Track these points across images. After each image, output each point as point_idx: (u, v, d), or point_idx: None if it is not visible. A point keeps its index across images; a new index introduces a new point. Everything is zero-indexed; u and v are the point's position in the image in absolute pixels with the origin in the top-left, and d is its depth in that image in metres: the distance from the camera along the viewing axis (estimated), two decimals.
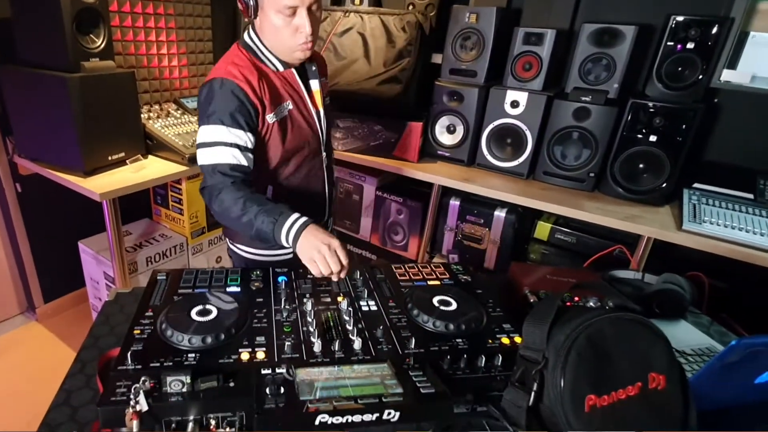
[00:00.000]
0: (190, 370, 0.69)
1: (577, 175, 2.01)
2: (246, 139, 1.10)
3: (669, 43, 1.80)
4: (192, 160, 1.92)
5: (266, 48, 1.16)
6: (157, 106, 2.20)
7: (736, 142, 1.95)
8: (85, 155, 1.71)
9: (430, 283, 1.07)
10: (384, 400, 0.69)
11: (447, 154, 2.23)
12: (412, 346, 0.83)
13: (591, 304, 0.97)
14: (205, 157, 1.09)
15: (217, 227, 2.42)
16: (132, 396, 0.66)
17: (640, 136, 1.87)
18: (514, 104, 2.04)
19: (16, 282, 2.22)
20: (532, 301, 1.09)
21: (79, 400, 0.77)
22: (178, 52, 2.41)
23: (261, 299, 0.94)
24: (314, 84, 1.25)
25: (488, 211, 2.14)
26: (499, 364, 0.81)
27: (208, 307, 0.87)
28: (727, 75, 1.84)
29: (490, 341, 0.87)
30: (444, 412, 0.73)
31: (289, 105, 1.19)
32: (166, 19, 2.31)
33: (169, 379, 0.68)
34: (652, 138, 1.85)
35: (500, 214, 2.13)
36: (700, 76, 1.77)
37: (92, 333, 0.94)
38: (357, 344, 0.82)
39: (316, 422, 0.66)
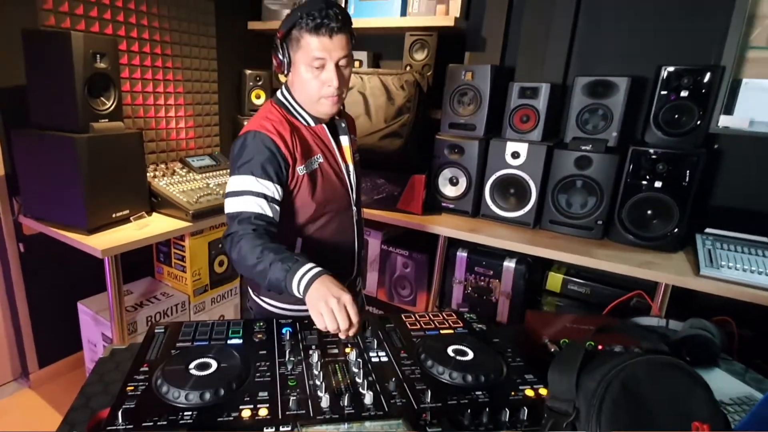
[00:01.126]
0: (186, 429, 0.63)
1: (585, 223, 1.99)
2: (273, 190, 1.10)
3: (663, 92, 1.84)
4: (195, 215, 1.92)
5: (297, 104, 1.20)
6: (163, 165, 2.23)
7: (742, 186, 1.94)
8: (90, 213, 1.70)
9: (443, 332, 1.01)
10: None
11: (451, 206, 2.22)
12: (428, 400, 0.76)
13: (617, 350, 0.91)
14: (231, 206, 1.10)
15: (220, 285, 2.37)
16: None
17: (644, 182, 1.86)
18: (515, 155, 2.06)
19: (12, 347, 2.14)
20: (552, 350, 1.02)
21: None
22: (185, 114, 2.48)
23: (264, 351, 0.88)
24: (344, 140, 1.26)
25: (497, 262, 2.10)
26: (525, 418, 0.74)
27: (207, 360, 0.82)
28: (724, 120, 1.87)
29: (512, 393, 0.81)
30: None
31: (320, 158, 1.20)
32: (174, 84, 2.40)
33: None
34: (658, 184, 1.84)
35: (510, 264, 2.08)
36: (698, 122, 1.79)
37: (84, 392, 0.87)
38: (368, 399, 0.76)
39: None
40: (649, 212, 1.89)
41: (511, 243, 1.92)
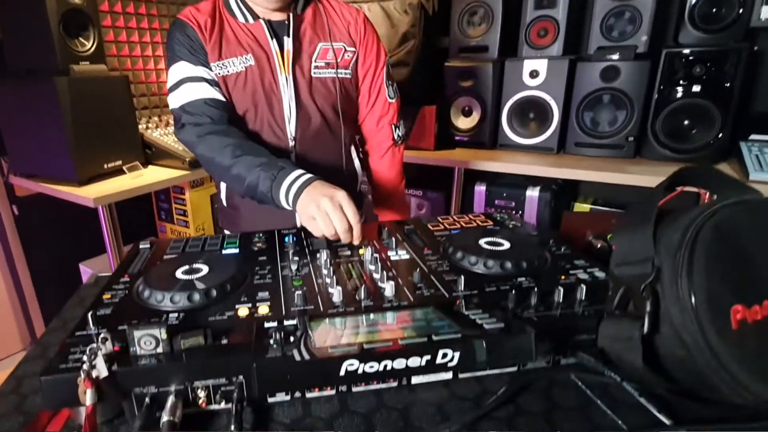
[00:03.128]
0: (166, 323, 0.51)
1: (614, 141, 1.82)
2: (212, 75, 0.97)
3: None
4: (193, 163, 1.79)
5: None
6: (156, 118, 2.10)
7: None
8: (78, 163, 1.58)
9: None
10: (435, 338, 0.49)
11: (466, 139, 2.06)
12: (461, 288, 0.63)
13: None
14: (175, 100, 0.98)
15: None
16: (87, 359, 0.48)
17: (680, 88, 1.68)
18: (533, 74, 1.88)
19: (18, 316, 2.07)
20: (599, 246, 0.88)
21: (29, 388, 0.58)
22: None
23: (264, 258, 0.76)
24: (287, 43, 1.00)
25: (519, 192, 1.94)
26: (584, 297, 0.60)
27: (197, 266, 0.69)
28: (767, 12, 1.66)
29: (563, 277, 0.67)
30: (522, 352, 0.52)
31: (249, 61, 0.99)
32: (162, 33, 2.24)
33: (137, 334, 0.50)
34: (696, 88, 1.66)
35: (533, 193, 1.92)
36: (740, 11, 1.59)
37: (61, 316, 0.76)
38: (389, 291, 0.62)
39: (342, 371, 0.46)
40: (686, 122, 1.71)
41: (533, 167, 1.77)
